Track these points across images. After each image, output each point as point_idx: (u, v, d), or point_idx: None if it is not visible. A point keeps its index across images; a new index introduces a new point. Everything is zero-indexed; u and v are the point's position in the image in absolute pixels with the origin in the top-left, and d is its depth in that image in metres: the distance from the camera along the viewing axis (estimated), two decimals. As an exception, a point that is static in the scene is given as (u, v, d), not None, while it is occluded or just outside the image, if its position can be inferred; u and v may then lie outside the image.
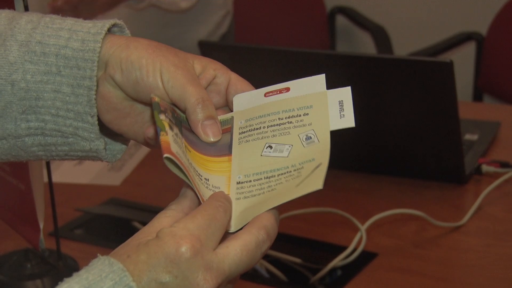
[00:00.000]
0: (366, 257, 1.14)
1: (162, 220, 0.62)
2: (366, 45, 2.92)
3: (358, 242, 1.15)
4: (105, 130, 0.70)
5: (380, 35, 2.61)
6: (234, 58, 1.40)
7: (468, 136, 1.46)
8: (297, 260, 1.15)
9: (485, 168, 1.35)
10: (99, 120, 0.68)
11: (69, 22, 0.68)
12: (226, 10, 2.02)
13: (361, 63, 1.30)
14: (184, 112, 0.67)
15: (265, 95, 0.70)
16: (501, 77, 2.31)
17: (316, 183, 0.63)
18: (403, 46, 2.75)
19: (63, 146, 0.68)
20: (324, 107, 0.68)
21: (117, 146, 0.72)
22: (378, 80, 1.29)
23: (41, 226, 1.07)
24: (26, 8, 0.94)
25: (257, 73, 1.44)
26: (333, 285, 1.10)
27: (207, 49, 1.41)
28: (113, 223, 1.27)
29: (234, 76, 0.70)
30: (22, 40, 0.67)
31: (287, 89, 0.70)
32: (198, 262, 0.58)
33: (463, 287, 1.09)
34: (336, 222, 1.23)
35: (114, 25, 0.69)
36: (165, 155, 0.61)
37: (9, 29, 0.67)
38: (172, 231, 0.59)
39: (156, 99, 0.65)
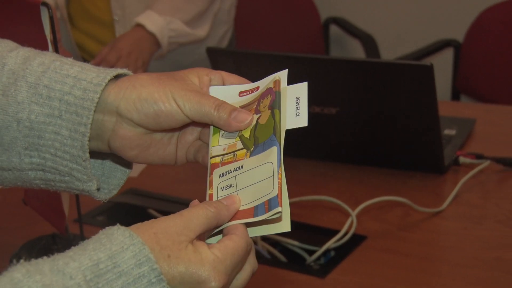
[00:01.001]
0: (356, 240, 1.13)
1: (198, 218, 0.61)
2: (356, 52, 2.91)
3: (349, 226, 1.14)
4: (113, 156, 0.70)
5: (369, 43, 2.60)
6: (239, 63, 1.38)
7: (447, 131, 1.45)
8: (295, 242, 1.13)
9: (462, 159, 1.34)
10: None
11: (76, 69, 0.66)
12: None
13: (353, 67, 1.29)
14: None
15: (239, 94, 0.69)
16: (476, 79, 2.31)
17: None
18: (390, 52, 2.75)
19: (61, 183, 0.67)
20: (283, 104, 0.66)
21: (115, 181, 0.71)
22: (368, 82, 1.28)
23: (67, 213, 1.06)
24: (52, 18, 0.93)
25: (259, 76, 1.43)
26: (327, 265, 1.09)
27: (214, 55, 1.40)
28: (131, 211, 1.26)
29: (224, 73, 0.70)
30: (32, 82, 0.66)
31: (257, 88, 0.68)
32: None
33: (443, 266, 1.08)
34: (329, 208, 1.22)
35: (120, 74, 0.68)
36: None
37: (22, 70, 0.66)
38: (214, 263, 0.59)
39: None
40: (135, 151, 0.68)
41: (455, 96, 2.41)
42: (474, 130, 1.50)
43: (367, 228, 1.16)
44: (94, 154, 0.69)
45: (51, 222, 1.09)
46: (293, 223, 1.26)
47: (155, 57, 1.84)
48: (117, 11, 1.87)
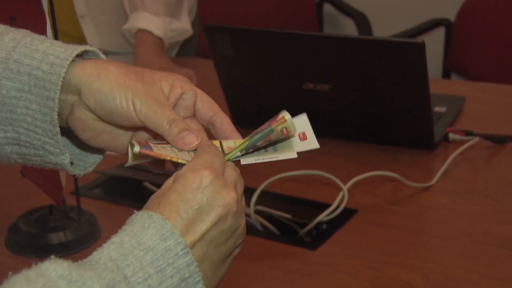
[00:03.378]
0: (348, 213, 1.13)
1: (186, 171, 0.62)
2: (350, 31, 2.89)
3: (340, 200, 1.14)
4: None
5: (362, 21, 2.59)
6: (235, 40, 1.38)
7: (437, 109, 1.45)
8: (287, 215, 1.14)
9: (452, 136, 1.34)
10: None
11: (46, 44, 0.65)
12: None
13: (346, 44, 1.28)
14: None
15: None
16: (467, 58, 2.30)
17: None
18: (382, 31, 2.73)
19: (35, 157, 0.67)
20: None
21: (91, 159, 0.71)
22: (360, 59, 1.27)
23: (64, 185, 1.06)
24: (52, 5, 0.92)
25: (255, 52, 1.42)
26: (319, 238, 1.09)
27: (211, 32, 1.39)
28: (127, 183, 1.26)
29: (199, 92, 0.68)
30: (2, 57, 0.65)
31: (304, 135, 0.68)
32: (219, 183, 0.60)
33: (432, 239, 1.09)
34: (321, 182, 1.22)
35: (87, 51, 0.67)
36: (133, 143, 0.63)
37: None
38: (190, 168, 0.61)
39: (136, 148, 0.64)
40: (87, 134, 0.67)
41: (446, 75, 2.41)
42: (463, 108, 1.50)
43: (358, 202, 1.16)
44: (70, 133, 0.69)
45: (48, 194, 1.09)
46: (285, 197, 1.27)
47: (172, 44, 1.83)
48: (81, 7, 1.85)
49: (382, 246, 1.05)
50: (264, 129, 0.65)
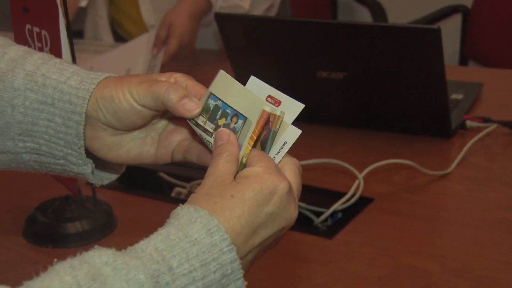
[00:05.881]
0: (363, 202, 1.13)
1: (225, 165, 0.62)
2: (364, 18, 2.88)
3: (356, 189, 1.14)
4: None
5: (377, 10, 2.58)
6: (247, 28, 1.38)
7: (454, 96, 1.44)
8: (303, 204, 1.14)
9: (469, 123, 1.34)
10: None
11: (75, 67, 0.67)
12: (271, 1, 1.92)
13: (360, 31, 1.28)
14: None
15: (266, 98, 0.66)
16: (483, 44, 2.29)
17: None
18: (398, 19, 2.72)
19: (56, 165, 0.68)
20: (273, 146, 0.66)
21: (107, 175, 0.72)
22: (375, 46, 1.27)
23: (79, 175, 1.07)
24: (65, 4, 0.93)
25: (268, 41, 1.42)
26: (334, 226, 1.10)
27: (222, 20, 1.39)
28: (141, 173, 1.27)
29: (190, 82, 0.68)
30: (29, 70, 0.66)
31: (279, 103, 0.66)
32: (291, 196, 0.62)
33: (448, 227, 1.09)
34: (336, 171, 1.22)
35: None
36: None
37: (22, 59, 0.67)
38: (267, 171, 0.61)
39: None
40: (104, 151, 0.68)
41: (463, 61, 2.40)
42: (481, 94, 1.49)
43: (374, 191, 1.16)
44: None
45: (64, 184, 1.10)
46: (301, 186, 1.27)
47: (203, 25, 1.83)
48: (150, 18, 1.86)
49: (398, 234, 1.05)
50: (267, 137, 0.65)
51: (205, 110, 0.66)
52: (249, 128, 0.64)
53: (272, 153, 0.65)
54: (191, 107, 0.65)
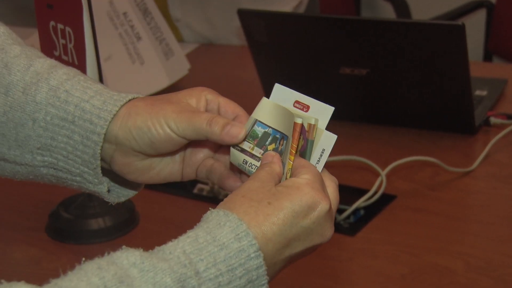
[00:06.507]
0: (386, 199, 1.13)
1: (267, 174, 0.62)
2: (388, 15, 2.87)
3: (379, 186, 1.14)
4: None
5: (400, 5, 2.56)
6: (270, 25, 1.38)
7: (478, 92, 1.43)
8: (325, 201, 1.14)
9: (493, 120, 1.32)
10: None
11: (99, 86, 0.67)
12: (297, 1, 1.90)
13: (384, 27, 1.27)
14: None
15: (294, 104, 0.66)
16: (508, 40, 2.27)
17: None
18: (421, 14, 2.70)
19: (72, 182, 0.68)
20: (312, 154, 0.65)
21: (125, 192, 0.71)
22: (399, 42, 1.26)
23: (102, 172, 1.08)
24: (89, 1, 0.94)
25: (290, 37, 1.42)
26: (357, 223, 1.09)
27: (245, 17, 1.39)
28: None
29: (222, 100, 0.68)
30: (53, 85, 0.66)
31: (308, 108, 0.66)
32: (330, 215, 0.61)
33: (472, 224, 1.08)
34: (359, 168, 1.22)
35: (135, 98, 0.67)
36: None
37: (47, 73, 0.67)
38: (310, 184, 0.60)
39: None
40: (135, 175, 0.67)
41: (488, 57, 2.37)
42: (505, 91, 1.47)
43: (396, 188, 1.15)
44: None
45: (87, 180, 1.11)
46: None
47: None
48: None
49: (421, 232, 1.04)
50: (305, 147, 0.65)
51: (251, 136, 0.66)
52: (289, 144, 0.64)
53: (312, 162, 0.64)
54: (235, 133, 0.65)
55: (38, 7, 1.03)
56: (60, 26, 0.99)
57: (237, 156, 0.66)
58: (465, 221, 1.09)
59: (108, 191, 0.69)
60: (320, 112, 0.65)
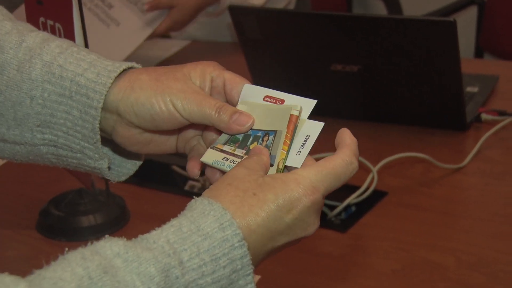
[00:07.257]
0: (377, 195, 1.13)
1: (253, 163, 0.62)
2: (379, 12, 2.87)
3: (370, 182, 1.14)
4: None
5: (392, 2, 2.56)
6: (261, 21, 1.37)
7: (469, 89, 1.43)
8: (317, 198, 1.14)
9: (484, 116, 1.33)
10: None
11: (93, 57, 0.66)
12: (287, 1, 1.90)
13: (375, 23, 1.27)
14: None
15: (264, 98, 0.66)
16: (499, 37, 2.27)
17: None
18: (413, 11, 2.70)
19: (72, 159, 0.67)
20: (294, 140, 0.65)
21: (125, 170, 0.71)
22: (390, 38, 1.26)
23: (92, 169, 1.07)
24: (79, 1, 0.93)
25: (281, 34, 1.42)
26: (348, 220, 1.09)
27: (236, 12, 1.39)
28: (155, 167, 1.27)
29: (227, 75, 0.68)
30: (47, 60, 0.66)
31: (282, 101, 0.66)
32: (314, 208, 0.61)
33: (464, 220, 1.08)
34: (351, 164, 1.21)
35: (131, 67, 0.67)
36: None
37: (39, 48, 0.66)
38: (296, 180, 0.60)
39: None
40: (136, 147, 0.68)
41: (479, 54, 2.38)
42: (496, 87, 1.48)
43: (388, 184, 1.15)
44: (107, 140, 0.69)
45: (78, 177, 1.11)
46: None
47: (212, 15, 1.81)
48: None
49: (412, 228, 1.04)
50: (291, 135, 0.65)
51: (232, 141, 0.66)
52: (281, 136, 0.64)
53: (295, 147, 0.64)
54: (243, 121, 0.65)
55: (27, 4, 1.02)
56: (49, 22, 0.99)
57: (214, 154, 0.66)
58: (457, 217, 1.09)
59: (109, 168, 0.69)
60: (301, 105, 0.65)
